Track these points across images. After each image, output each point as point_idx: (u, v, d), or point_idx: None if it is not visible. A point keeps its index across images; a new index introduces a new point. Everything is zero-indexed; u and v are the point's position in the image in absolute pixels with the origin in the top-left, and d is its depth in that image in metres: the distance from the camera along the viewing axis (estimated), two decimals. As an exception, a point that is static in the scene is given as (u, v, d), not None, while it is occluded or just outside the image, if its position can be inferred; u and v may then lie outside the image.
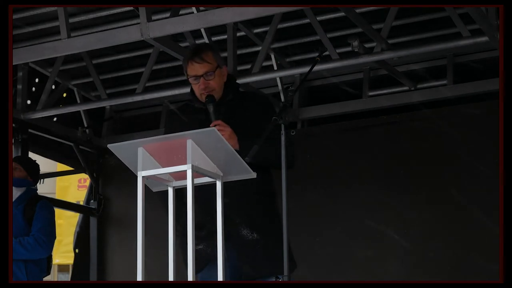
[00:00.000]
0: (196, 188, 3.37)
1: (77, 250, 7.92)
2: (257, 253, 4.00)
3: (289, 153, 3.84)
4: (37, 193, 6.05)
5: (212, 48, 4.29)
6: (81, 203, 8.59)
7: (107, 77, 7.33)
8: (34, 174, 6.06)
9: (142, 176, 3.34)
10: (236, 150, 3.54)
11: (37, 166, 6.13)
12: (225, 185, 3.52)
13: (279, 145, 3.82)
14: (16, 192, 5.82)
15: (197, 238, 3.81)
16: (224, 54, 6.24)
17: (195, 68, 4.12)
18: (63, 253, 11.81)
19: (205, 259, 3.98)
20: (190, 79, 4.15)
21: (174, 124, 4.22)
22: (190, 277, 3.23)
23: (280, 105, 3.84)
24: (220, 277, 3.39)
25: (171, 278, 3.32)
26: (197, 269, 3.72)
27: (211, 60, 4.12)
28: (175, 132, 3.43)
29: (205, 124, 3.92)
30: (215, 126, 3.90)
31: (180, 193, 3.45)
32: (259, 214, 4.06)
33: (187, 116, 4.19)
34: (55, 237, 5.91)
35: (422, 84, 6.66)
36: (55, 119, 7.48)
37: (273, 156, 3.85)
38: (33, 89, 7.24)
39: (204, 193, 3.62)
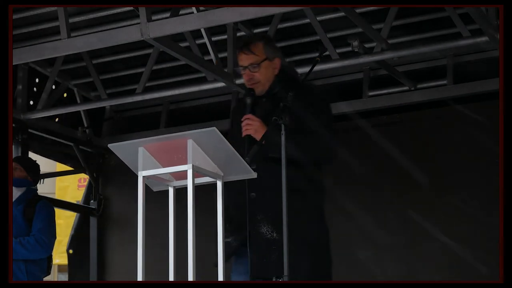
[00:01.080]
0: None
1: (70, 251, 7.94)
2: (272, 253, 3.90)
3: (323, 145, 3.85)
4: (37, 193, 6.05)
5: (265, 38, 4.24)
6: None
7: (107, 77, 7.33)
8: (34, 174, 6.06)
9: (143, 176, 3.34)
10: (261, 144, 3.55)
11: (38, 166, 6.13)
12: (254, 179, 3.53)
13: (325, 136, 3.87)
14: (16, 192, 5.82)
15: (227, 231, 3.83)
16: (224, 54, 6.25)
17: (242, 59, 4.14)
18: (63, 253, 11.78)
19: (230, 252, 3.95)
20: (240, 69, 4.17)
21: (236, 115, 4.22)
22: (190, 277, 3.22)
23: (280, 105, 3.81)
24: (220, 277, 3.38)
25: (171, 278, 3.32)
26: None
27: (259, 52, 4.11)
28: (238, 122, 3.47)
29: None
30: (245, 119, 3.93)
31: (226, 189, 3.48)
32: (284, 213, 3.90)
33: (244, 107, 4.18)
34: (55, 238, 5.91)
35: (422, 84, 6.65)
36: (56, 119, 7.49)
37: (312, 149, 3.84)
38: (34, 89, 7.24)
39: (235, 186, 3.63)
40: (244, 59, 4.12)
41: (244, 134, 3.92)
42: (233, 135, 4.07)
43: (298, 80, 4.26)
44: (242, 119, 3.96)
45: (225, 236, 3.84)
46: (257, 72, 4.10)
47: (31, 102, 7.17)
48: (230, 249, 3.94)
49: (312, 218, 4.02)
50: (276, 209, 3.86)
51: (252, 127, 3.91)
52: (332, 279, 4.05)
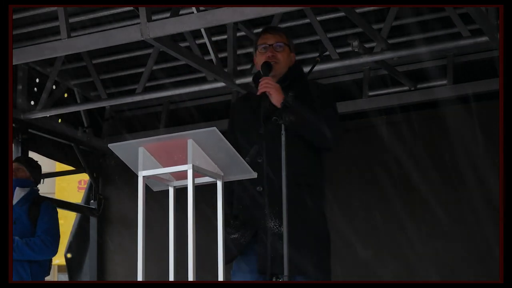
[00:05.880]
0: None
1: (69, 255, 7.96)
2: (280, 248, 3.79)
3: (328, 126, 3.88)
4: (39, 193, 6.07)
5: (287, 33, 4.32)
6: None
7: (107, 77, 7.33)
8: (37, 174, 6.08)
9: (143, 176, 3.33)
10: (277, 108, 3.74)
11: (39, 166, 6.15)
12: (259, 173, 3.54)
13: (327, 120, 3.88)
14: (20, 193, 5.83)
15: (233, 227, 3.91)
16: (224, 54, 6.25)
17: (267, 38, 4.14)
18: (63, 253, 11.80)
19: (238, 249, 3.94)
20: (258, 49, 4.13)
21: (234, 114, 4.23)
22: (190, 277, 3.22)
23: (280, 105, 3.82)
24: (220, 277, 3.38)
25: (171, 278, 3.32)
26: (231, 258, 3.88)
27: (283, 37, 4.15)
28: (236, 123, 3.60)
29: (256, 111, 3.98)
30: (264, 80, 3.93)
31: (231, 184, 3.57)
32: (293, 207, 3.83)
33: (244, 104, 4.19)
34: (59, 238, 5.93)
35: (422, 84, 6.65)
36: (59, 120, 7.49)
37: (321, 129, 3.85)
38: (34, 89, 7.24)
39: (239, 181, 3.62)
40: (270, 38, 4.12)
41: (261, 91, 3.90)
42: (237, 126, 4.10)
43: (305, 77, 4.24)
44: (260, 80, 3.95)
45: (231, 232, 3.88)
46: (280, 52, 4.10)
47: (31, 102, 7.17)
48: (237, 246, 3.93)
49: (319, 212, 4.01)
50: (281, 203, 3.82)
51: (272, 86, 3.89)
52: (331, 273, 4.05)
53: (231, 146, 3.40)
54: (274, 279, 3.87)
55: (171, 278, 3.32)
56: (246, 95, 4.42)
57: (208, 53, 6.24)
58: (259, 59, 4.12)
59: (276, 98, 3.88)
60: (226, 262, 3.82)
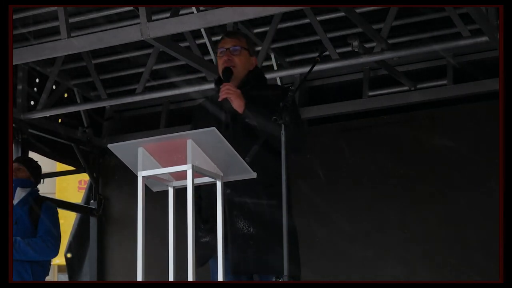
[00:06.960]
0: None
1: (69, 255, 7.96)
2: (250, 248, 3.89)
3: (299, 133, 3.90)
4: (39, 193, 6.07)
5: (248, 37, 4.35)
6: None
7: (107, 77, 7.33)
8: (37, 174, 6.08)
9: (142, 176, 3.33)
10: (239, 114, 3.73)
11: (39, 167, 6.15)
12: None
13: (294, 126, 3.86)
14: (21, 193, 5.83)
15: (204, 231, 3.91)
16: (224, 54, 6.25)
17: (225, 42, 4.19)
18: (63, 253, 11.79)
19: (211, 251, 3.91)
20: (217, 53, 4.20)
21: (197, 118, 4.23)
22: (190, 277, 3.22)
23: (280, 105, 3.82)
24: (220, 277, 3.39)
25: (171, 278, 3.32)
26: (204, 261, 3.87)
27: (242, 41, 4.18)
28: (200, 126, 3.52)
29: (220, 115, 4.00)
30: (225, 86, 3.96)
31: (198, 190, 3.56)
32: (260, 207, 3.94)
33: (208, 108, 4.19)
34: (61, 238, 5.94)
35: (422, 84, 6.65)
36: (59, 120, 7.50)
37: (295, 136, 3.85)
38: (34, 89, 7.24)
39: (207, 187, 3.62)
40: (227, 42, 4.18)
41: (222, 97, 3.94)
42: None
43: (265, 81, 4.32)
44: (221, 86, 3.98)
45: (202, 236, 3.89)
46: (237, 56, 4.13)
47: (31, 102, 7.17)
48: (209, 249, 3.89)
49: (280, 211, 4.02)
50: (251, 204, 3.92)
51: (235, 93, 3.93)
52: (301, 273, 4.05)
53: (231, 146, 3.40)
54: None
55: (171, 278, 3.32)
56: (208, 100, 4.38)
57: (208, 53, 6.24)
58: (218, 63, 4.19)
59: (237, 104, 3.92)
60: (201, 264, 3.89)
